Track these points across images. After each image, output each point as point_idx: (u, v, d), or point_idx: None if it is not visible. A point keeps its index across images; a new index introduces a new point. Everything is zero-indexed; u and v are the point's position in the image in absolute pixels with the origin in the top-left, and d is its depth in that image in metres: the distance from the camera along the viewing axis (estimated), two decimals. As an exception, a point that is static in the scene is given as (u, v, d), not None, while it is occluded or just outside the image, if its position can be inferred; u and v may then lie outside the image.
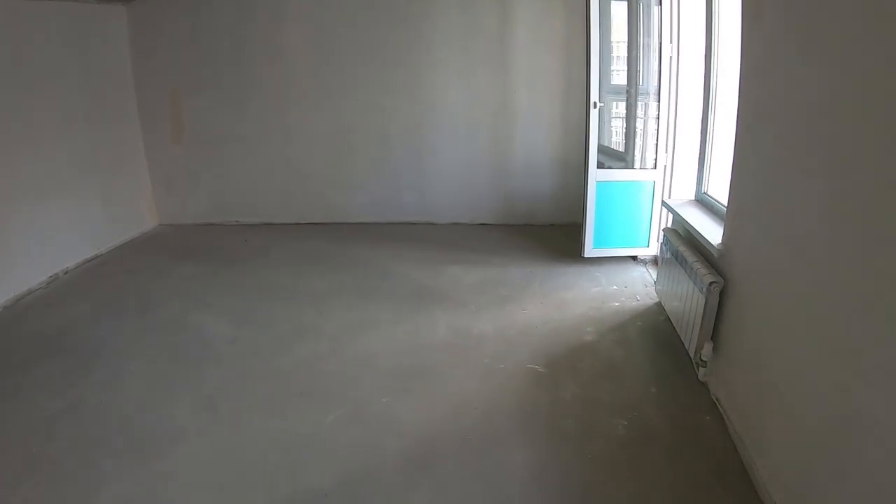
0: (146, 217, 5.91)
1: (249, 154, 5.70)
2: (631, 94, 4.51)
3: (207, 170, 5.82)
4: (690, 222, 3.23)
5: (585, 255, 4.50)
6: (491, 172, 5.53)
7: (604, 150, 4.56)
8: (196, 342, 3.59)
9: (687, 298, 3.02)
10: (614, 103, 4.79)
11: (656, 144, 4.25)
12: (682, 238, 3.43)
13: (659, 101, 4.13)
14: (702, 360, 2.85)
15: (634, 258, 4.64)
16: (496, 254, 4.90)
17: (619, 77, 4.67)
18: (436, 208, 5.70)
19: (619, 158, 4.70)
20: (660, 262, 3.98)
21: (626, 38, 4.50)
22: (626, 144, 4.66)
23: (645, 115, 4.45)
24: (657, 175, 4.29)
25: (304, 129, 5.56)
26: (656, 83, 4.15)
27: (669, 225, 4.10)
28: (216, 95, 5.53)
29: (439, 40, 5.20)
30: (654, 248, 4.51)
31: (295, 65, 5.41)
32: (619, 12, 4.49)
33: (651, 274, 4.38)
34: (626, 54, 4.55)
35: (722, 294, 2.70)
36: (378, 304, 4.00)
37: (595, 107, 4.04)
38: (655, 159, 4.28)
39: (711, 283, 2.69)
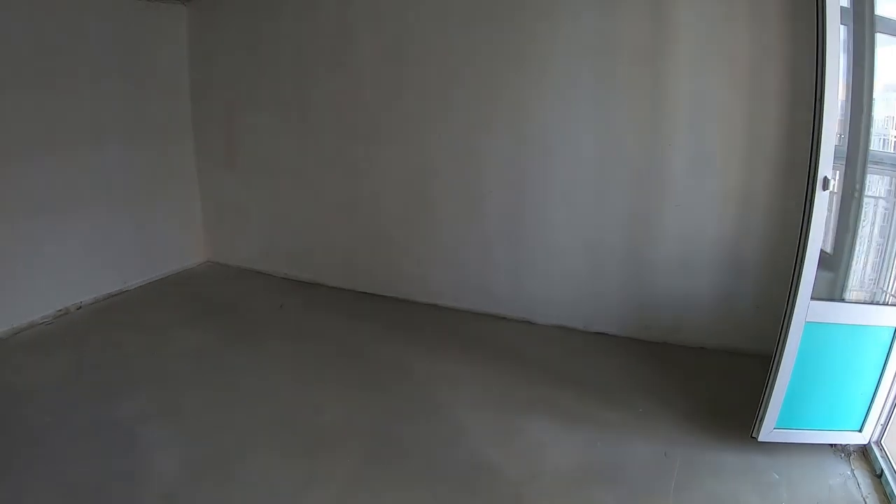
0: (193, 251, 5.01)
1: (306, 191, 4.53)
2: (856, 157, 2.57)
3: (259, 205, 4.76)
4: None
5: (760, 438, 2.58)
6: (622, 260, 3.71)
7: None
8: (125, 480, 2.43)
9: None
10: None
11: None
12: None
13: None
14: None
15: (832, 446, 2.64)
16: (613, 401, 3.07)
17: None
18: (536, 301, 3.99)
19: (822, 266, 2.71)
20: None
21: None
22: (839, 245, 2.69)
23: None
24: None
25: (372, 167, 4.25)
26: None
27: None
28: (273, 116, 4.45)
29: (560, 56, 3.55)
30: (867, 435, 2.55)
31: (363, 84, 4.11)
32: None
33: (860, 484, 2.41)
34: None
35: None
36: (389, 482, 2.47)
37: (827, 187, 2.17)
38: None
39: None
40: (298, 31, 4.20)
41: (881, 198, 2.70)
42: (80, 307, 4.18)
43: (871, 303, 2.61)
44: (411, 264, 4.31)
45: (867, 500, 2.35)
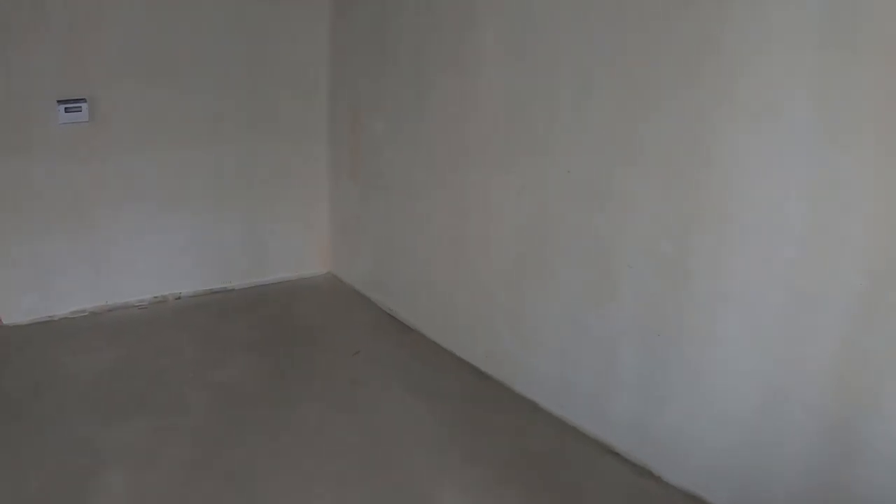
0: (314, 260, 4.64)
1: (415, 217, 3.68)
2: None
3: (373, 223, 4.10)
4: None
5: None
6: (820, 426, 1.93)
7: None
8: None
9: None
10: None
11: None
12: None
13: None
14: None
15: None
16: None
17: None
18: (666, 445, 2.42)
19: None
20: None
21: None
22: None
23: None
24: None
25: (483, 200, 3.16)
26: None
27: None
28: (390, 123, 3.70)
29: (763, 55, 1.93)
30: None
31: (479, 89, 3.02)
32: None
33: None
34: None
35: None
36: None
37: None
38: None
39: None
40: (418, 26, 3.33)
41: None
42: (179, 298, 4.11)
43: None
44: (513, 341, 3.11)
45: None
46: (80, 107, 3.74)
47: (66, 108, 3.72)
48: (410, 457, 2.59)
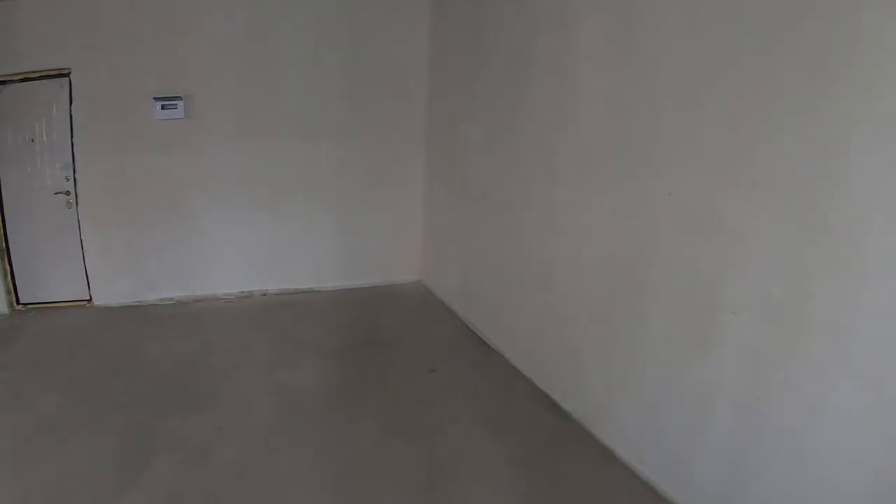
0: (405, 267, 4.64)
1: (503, 233, 3.49)
2: None
3: (463, 236, 3.97)
4: None
5: None
6: None
7: None
8: None
9: None
10: None
11: None
12: None
13: None
14: None
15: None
16: None
17: None
18: None
19: None
20: None
21: None
22: None
23: None
24: None
25: (571, 223, 2.88)
26: None
27: None
28: (485, 131, 3.55)
29: None
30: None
31: (573, 94, 2.76)
32: None
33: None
34: None
35: None
36: None
37: None
38: None
39: None
40: (515, 27, 3.15)
41: None
42: (265, 294, 4.28)
43: None
44: (598, 380, 2.80)
45: None
46: (176, 104, 3.95)
47: (162, 105, 3.94)
48: (465, 499, 2.37)
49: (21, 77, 3.94)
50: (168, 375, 3.19)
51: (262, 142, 4.04)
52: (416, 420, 2.90)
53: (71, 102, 3.97)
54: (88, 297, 4.30)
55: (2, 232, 4.13)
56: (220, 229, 4.14)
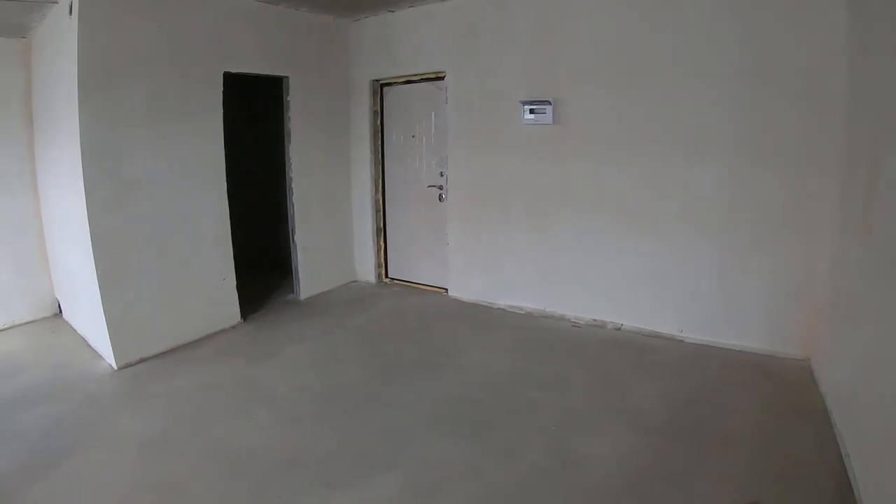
0: (791, 336, 3.17)
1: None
2: None
3: (874, 312, 2.24)
4: None
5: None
6: None
7: None
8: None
9: None
10: None
11: None
12: None
13: None
14: None
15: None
16: None
17: None
18: None
19: None
20: None
21: None
22: None
23: None
24: None
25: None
26: None
27: None
28: None
29: None
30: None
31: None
32: None
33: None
34: None
35: None
36: None
37: None
38: None
39: None
40: None
41: None
42: (619, 329, 3.63)
43: None
44: None
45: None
46: (545, 109, 3.65)
47: (530, 110, 3.72)
48: None
49: (403, 80, 4.47)
50: (469, 397, 2.86)
51: (637, 154, 3.36)
52: None
53: (446, 103, 4.26)
54: (445, 287, 4.57)
55: (382, 213, 4.81)
56: (582, 246, 3.68)
